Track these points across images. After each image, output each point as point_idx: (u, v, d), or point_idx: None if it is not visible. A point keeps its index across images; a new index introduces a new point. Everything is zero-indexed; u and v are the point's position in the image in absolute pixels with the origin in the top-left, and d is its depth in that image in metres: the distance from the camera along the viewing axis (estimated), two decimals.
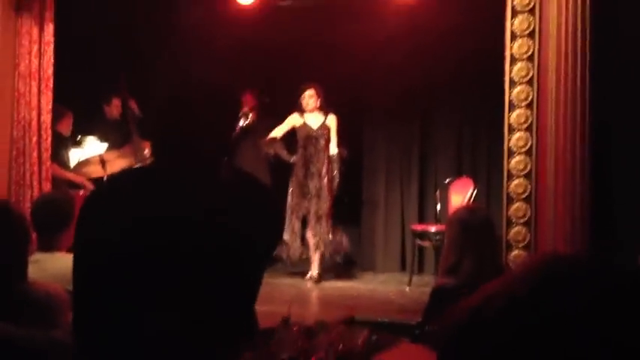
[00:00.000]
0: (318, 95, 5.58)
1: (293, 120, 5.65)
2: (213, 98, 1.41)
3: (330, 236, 5.60)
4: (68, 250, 2.55)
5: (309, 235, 5.61)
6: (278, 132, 5.64)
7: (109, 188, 1.46)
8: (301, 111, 5.61)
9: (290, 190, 5.63)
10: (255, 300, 1.37)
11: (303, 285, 5.52)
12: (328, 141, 5.61)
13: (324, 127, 5.60)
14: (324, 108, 5.61)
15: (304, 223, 5.65)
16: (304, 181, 5.59)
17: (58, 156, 5.34)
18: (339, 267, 5.97)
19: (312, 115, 5.62)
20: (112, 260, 1.31)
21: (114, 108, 6.02)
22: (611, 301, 0.54)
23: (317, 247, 5.57)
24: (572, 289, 0.55)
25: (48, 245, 2.51)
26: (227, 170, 1.43)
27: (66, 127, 5.57)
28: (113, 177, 1.64)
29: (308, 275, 5.62)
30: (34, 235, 2.58)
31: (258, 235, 1.37)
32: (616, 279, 0.56)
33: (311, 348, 1.63)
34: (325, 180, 5.56)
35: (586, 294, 0.55)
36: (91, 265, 1.36)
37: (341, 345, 1.66)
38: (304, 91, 5.58)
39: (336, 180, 5.63)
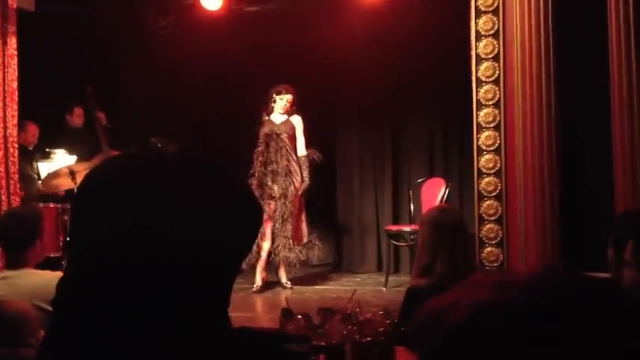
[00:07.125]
0: (292, 102, 5.40)
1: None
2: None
3: (305, 239, 5.46)
4: (37, 266, 2.50)
5: (269, 239, 5.31)
6: None
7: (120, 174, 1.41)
8: (269, 112, 5.42)
9: None
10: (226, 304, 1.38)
11: (278, 289, 5.48)
12: (293, 139, 5.42)
13: (288, 124, 5.40)
14: (292, 111, 5.43)
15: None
16: (265, 181, 5.32)
17: (23, 168, 5.24)
18: (316, 269, 5.96)
19: (278, 115, 5.44)
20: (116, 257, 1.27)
21: (76, 117, 5.94)
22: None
23: (280, 252, 5.30)
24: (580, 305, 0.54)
25: (16, 262, 2.46)
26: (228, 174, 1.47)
27: (30, 139, 5.47)
28: (124, 158, 1.58)
29: (255, 286, 5.33)
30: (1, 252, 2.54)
31: (241, 240, 1.38)
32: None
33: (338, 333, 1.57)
34: (293, 180, 5.34)
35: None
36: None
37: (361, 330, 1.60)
38: (283, 98, 5.37)
39: (307, 182, 5.42)
